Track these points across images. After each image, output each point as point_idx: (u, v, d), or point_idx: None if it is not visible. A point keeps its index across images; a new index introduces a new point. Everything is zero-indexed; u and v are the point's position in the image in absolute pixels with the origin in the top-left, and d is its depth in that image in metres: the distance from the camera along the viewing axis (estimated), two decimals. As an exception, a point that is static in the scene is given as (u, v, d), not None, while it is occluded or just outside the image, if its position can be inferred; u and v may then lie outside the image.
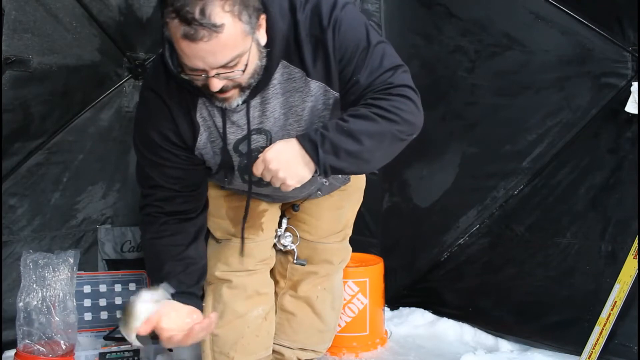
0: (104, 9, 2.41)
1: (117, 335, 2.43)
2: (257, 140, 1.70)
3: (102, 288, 2.59)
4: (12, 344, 2.27)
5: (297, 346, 2.21)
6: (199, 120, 1.67)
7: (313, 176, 1.55)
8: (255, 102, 1.64)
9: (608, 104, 2.32)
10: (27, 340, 2.19)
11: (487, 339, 2.58)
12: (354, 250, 2.68)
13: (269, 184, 1.58)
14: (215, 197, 1.99)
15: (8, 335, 2.32)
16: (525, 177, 2.54)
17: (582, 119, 2.39)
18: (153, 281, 1.72)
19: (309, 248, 2.14)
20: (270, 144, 1.65)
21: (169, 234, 1.74)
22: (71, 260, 2.33)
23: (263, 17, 1.51)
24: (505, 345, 2.51)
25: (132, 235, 2.69)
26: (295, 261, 2.11)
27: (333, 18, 1.58)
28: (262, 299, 2.07)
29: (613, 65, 2.29)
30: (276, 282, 2.21)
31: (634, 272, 2.16)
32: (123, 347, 2.34)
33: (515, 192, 2.57)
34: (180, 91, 1.63)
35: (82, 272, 2.51)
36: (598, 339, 2.19)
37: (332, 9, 1.58)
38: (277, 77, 1.62)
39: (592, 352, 2.19)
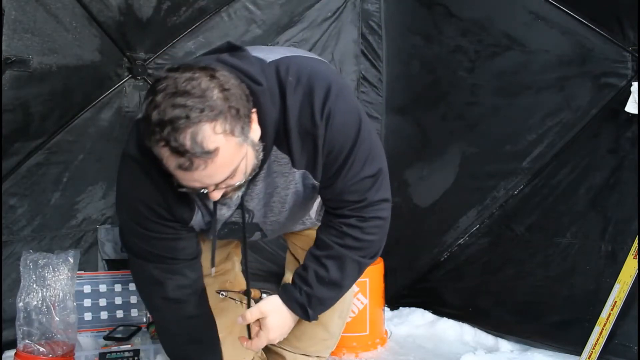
0: (104, 9, 2.41)
1: (117, 335, 2.43)
2: (238, 216, 1.68)
3: (102, 288, 2.59)
4: (12, 344, 2.27)
5: (300, 352, 2.13)
6: (195, 201, 1.61)
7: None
8: None
9: (608, 104, 2.32)
10: (27, 340, 2.19)
11: (487, 339, 2.58)
12: (354, 250, 2.68)
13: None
14: None
15: (8, 335, 2.32)
16: (525, 177, 2.54)
17: (582, 119, 2.39)
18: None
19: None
20: (252, 220, 1.69)
21: (188, 316, 1.74)
22: (71, 260, 2.33)
23: (254, 111, 1.43)
24: (505, 345, 2.51)
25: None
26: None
27: (326, 111, 1.50)
28: (216, 314, 1.97)
29: (613, 65, 2.30)
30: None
31: (634, 272, 2.16)
32: (123, 347, 2.34)
33: (515, 192, 2.57)
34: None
35: (82, 272, 2.51)
36: (598, 339, 2.19)
37: (326, 99, 1.49)
38: (267, 161, 1.58)
39: (592, 352, 2.19)
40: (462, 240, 2.73)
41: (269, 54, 1.55)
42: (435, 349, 2.56)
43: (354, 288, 2.26)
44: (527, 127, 2.51)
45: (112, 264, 2.66)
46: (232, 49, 1.52)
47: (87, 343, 2.44)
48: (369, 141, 1.58)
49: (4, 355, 2.31)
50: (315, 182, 1.60)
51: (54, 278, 2.27)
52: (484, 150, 2.65)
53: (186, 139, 1.29)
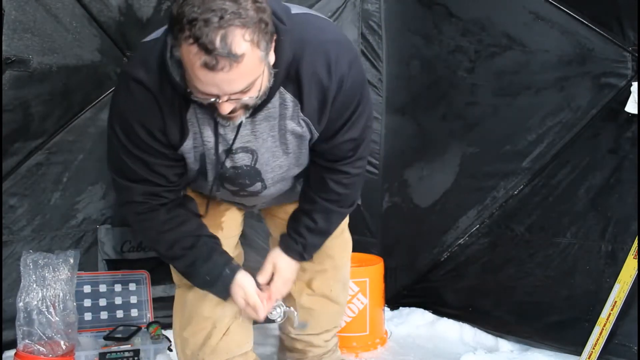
0: (104, 9, 2.41)
1: (117, 335, 2.43)
2: (243, 158, 1.73)
3: (102, 288, 2.59)
4: (12, 344, 2.27)
5: (321, 330, 2.23)
6: (189, 124, 1.65)
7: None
8: (246, 120, 1.63)
9: (608, 104, 2.32)
10: (27, 340, 2.19)
11: (487, 339, 2.58)
12: (354, 250, 2.68)
13: (248, 193, 1.82)
14: None
15: (8, 335, 2.32)
16: (525, 177, 2.54)
17: (582, 119, 2.39)
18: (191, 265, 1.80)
19: None
20: (255, 163, 1.74)
21: (177, 224, 1.77)
22: (71, 260, 2.33)
23: (274, 38, 1.49)
24: (505, 345, 2.51)
25: (132, 235, 2.69)
26: (296, 325, 2.05)
27: (340, 74, 1.62)
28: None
29: (613, 65, 2.30)
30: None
31: (634, 272, 2.16)
32: (123, 347, 2.34)
33: (515, 192, 2.57)
34: (172, 92, 1.59)
35: (82, 272, 2.51)
36: (598, 339, 2.19)
37: (342, 63, 1.62)
38: (273, 100, 1.62)
39: (592, 352, 2.19)
40: (462, 240, 2.73)
41: (295, 8, 1.63)
42: (435, 349, 2.56)
43: (348, 263, 2.34)
44: (527, 127, 2.51)
45: (112, 264, 2.66)
46: None
47: (87, 343, 2.44)
48: (369, 105, 1.75)
49: (4, 355, 2.31)
50: (315, 131, 1.70)
51: (54, 278, 2.27)
52: (484, 150, 2.65)
53: (216, 38, 1.33)
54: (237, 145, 1.68)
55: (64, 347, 2.22)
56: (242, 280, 1.82)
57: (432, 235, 2.81)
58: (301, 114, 1.65)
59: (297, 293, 2.18)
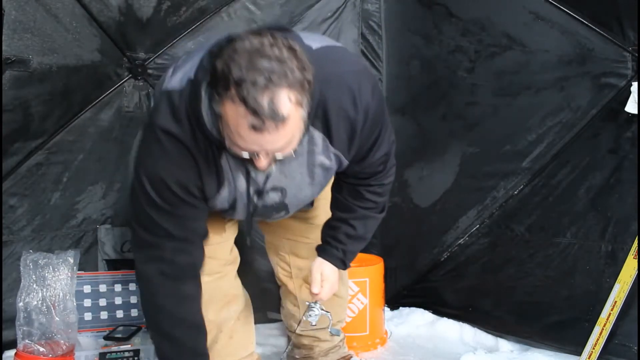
0: (104, 9, 2.41)
1: (117, 335, 2.43)
2: (273, 197, 1.74)
3: (102, 288, 2.58)
4: (12, 344, 2.27)
5: (326, 324, 2.19)
6: (224, 172, 1.64)
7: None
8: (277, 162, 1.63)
9: (608, 104, 2.32)
10: (27, 340, 2.19)
11: (487, 339, 2.58)
12: (354, 250, 2.68)
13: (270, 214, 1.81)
14: None
15: (8, 335, 2.32)
16: (525, 177, 2.54)
17: (582, 119, 2.39)
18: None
19: (305, 247, 2.14)
20: (284, 199, 1.76)
21: (190, 299, 1.75)
22: (71, 260, 2.33)
23: None
24: (505, 345, 2.51)
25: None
26: (330, 330, 2.04)
27: (365, 104, 1.63)
28: (230, 300, 2.05)
29: (613, 65, 2.30)
30: (284, 284, 2.24)
31: (634, 272, 2.16)
32: (123, 347, 2.34)
33: (515, 192, 2.57)
34: (205, 142, 1.57)
35: (82, 272, 2.51)
36: (598, 339, 2.19)
37: (365, 92, 1.64)
38: (302, 140, 1.61)
39: (592, 352, 2.19)
40: (462, 240, 2.73)
41: (312, 41, 1.62)
42: (435, 349, 2.56)
43: (354, 287, 2.39)
44: (527, 127, 2.51)
45: (112, 264, 2.66)
46: (282, 29, 1.56)
47: (87, 343, 2.44)
48: (389, 121, 1.79)
49: (4, 355, 2.31)
50: (346, 160, 1.72)
51: (54, 278, 2.27)
52: (484, 150, 2.65)
53: (264, 100, 1.32)
54: (267, 186, 1.70)
55: (64, 347, 2.22)
56: None
57: (432, 235, 2.81)
58: (331, 148, 1.67)
59: (297, 289, 2.20)
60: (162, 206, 1.62)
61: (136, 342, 2.42)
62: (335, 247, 1.93)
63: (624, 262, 2.20)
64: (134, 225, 1.71)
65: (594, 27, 2.31)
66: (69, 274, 2.31)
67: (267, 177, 1.67)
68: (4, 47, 2.18)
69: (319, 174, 1.73)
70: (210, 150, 1.59)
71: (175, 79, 1.61)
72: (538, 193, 2.51)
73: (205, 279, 1.97)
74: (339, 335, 2.15)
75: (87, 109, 2.51)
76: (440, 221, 2.79)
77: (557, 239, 2.45)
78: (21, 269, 2.26)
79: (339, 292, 2.21)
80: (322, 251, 1.94)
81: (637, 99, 2.22)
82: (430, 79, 2.76)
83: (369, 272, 2.59)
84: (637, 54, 2.24)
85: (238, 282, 2.12)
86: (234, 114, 1.36)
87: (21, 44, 2.24)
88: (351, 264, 2.57)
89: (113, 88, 2.56)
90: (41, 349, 2.18)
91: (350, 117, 1.63)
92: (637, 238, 2.19)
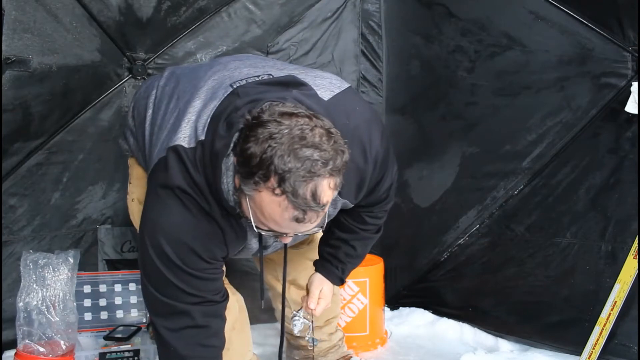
0: (104, 9, 2.41)
1: (117, 335, 2.43)
2: (276, 245, 1.76)
3: (102, 288, 2.58)
4: (12, 344, 2.27)
5: (322, 321, 2.24)
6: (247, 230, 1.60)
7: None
8: None
9: (608, 104, 2.32)
10: (27, 340, 2.19)
11: (487, 339, 2.58)
12: (354, 250, 2.68)
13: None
14: None
15: (8, 335, 2.32)
16: (525, 177, 2.54)
17: (582, 119, 2.39)
18: None
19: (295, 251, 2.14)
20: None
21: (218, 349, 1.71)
22: (71, 260, 2.32)
23: None
24: (505, 345, 2.51)
25: (132, 235, 2.69)
26: (307, 338, 2.04)
27: (374, 154, 1.64)
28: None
29: (613, 65, 2.30)
30: (273, 288, 2.23)
31: (634, 272, 2.16)
32: (123, 347, 2.34)
33: (515, 192, 2.57)
34: (219, 207, 1.52)
35: (82, 272, 2.51)
36: (598, 339, 2.19)
37: (375, 142, 1.64)
38: None
39: (592, 352, 2.19)
40: (462, 240, 2.73)
41: (322, 89, 1.59)
42: (435, 349, 2.56)
43: (354, 287, 2.39)
44: (527, 127, 2.51)
45: (112, 264, 2.66)
46: (296, 84, 1.55)
47: (87, 343, 2.44)
48: (394, 158, 1.80)
49: (4, 355, 2.31)
50: (351, 205, 1.74)
51: (54, 278, 2.27)
52: (484, 150, 2.65)
53: (307, 192, 1.30)
54: (272, 240, 1.71)
55: (64, 347, 2.21)
56: None
57: (432, 235, 2.81)
58: (340, 199, 1.67)
59: (286, 291, 2.17)
60: (188, 271, 1.53)
61: (136, 342, 2.42)
62: (336, 266, 1.96)
63: (624, 262, 2.20)
64: (154, 295, 1.57)
65: (594, 27, 2.31)
66: (69, 274, 2.31)
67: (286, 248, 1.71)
68: (4, 47, 2.18)
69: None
70: (236, 221, 1.55)
71: (182, 134, 1.51)
72: (538, 193, 2.51)
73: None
74: (316, 345, 2.17)
75: (87, 109, 2.51)
76: (440, 221, 2.79)
77: (557, 239, 2.45)
78: (21, 269, 2.26)
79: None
80: (322, 268, 1.97)
81: (637, 99, 2.22)
82: (430, 79, 2.76)
83: (369, 272, 2.59)
84: (637, 54, 2.24)
85: (228, 289, 2.10)
86: (273, 203, 1.33)
87: (21, 44, 2.24)
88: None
89: (113, 88, 2.56)
90: (41, 349, 2.18)
91: (360, 168, 1.63)
92: (637, 238, 2.19)
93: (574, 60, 2.38)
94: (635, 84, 2.23)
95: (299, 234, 1.48)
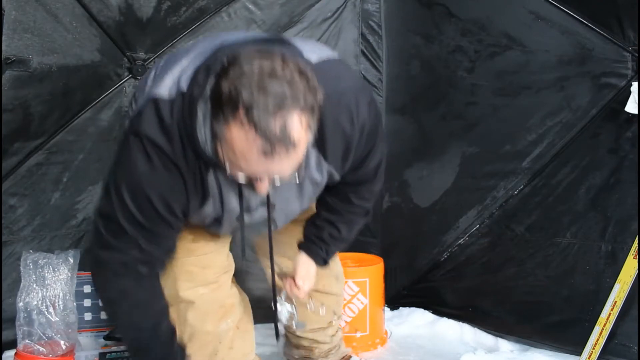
0: (104, 9, 2.41)
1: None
2: (262, 213, 1.71)
3: (102, 288, 2.58)
4: (12, 344, 2.27)
5: (324, 324, 2.23)
6: (210, 190, 1.59)
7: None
8: None
9: (608, 104, 2.32)
10: (27, 340, 2.19)
11: (487, 339, 2.58)
12: (354, 250, 2.68)
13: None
14: None
15: (8, 335, 2.32)
16: (525, 177, 2.54)
17: (582, 119, 2.39)
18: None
19: (294, 248, 2.09)
20: (272, 214, 1.71)
21: (144, 292, 1.68)
22: (71, 260, 2.33)
23: None
24: (505, 345, 2.51)
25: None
26: (294, 325, 2.01)
27: (361, 121, 1.62)
28: (228, 310, 2.01)
29: (613, 65, 2.30)
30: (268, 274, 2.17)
31: (634, 272, 2.16)
32: (123, 347, 2.34)
33: (515, 192, 2.57)
34: (194, 158, 1.51)
35: (82, 272, 2.51)
36: (598, 339, 2.19)
37: (362, 109, 1.62)
38: None
39: (592, 352, 2.19)
40: (462, 240, 2.73)
41: (310, 53, 1.58)
42: (435, 349, 2.56)
43: (354, 287, 2.40)
44: (527, 127, 2.51)
45: (112, 264, 2.66)
46: (282, 42, 1.55)
47: (87, 343, 2.44)
48: (383, 133, 1.80)
49: (4, 355, 2.31)
50: (338, 176, 1.71)
51: (54, 278, 2.27)
52: (484, 150, 2.65)
53: (277, 126, 1.28)
54: (256, 202, 1.67)
55: (64, 347, 2.22)
56: None
57: (432, 235, 2.81)
58: (325, 164, 1.65)
59: (289, 289, 2.17)
60: (140, 221, 1.55)
61: (136, 342, 2.41)
62: (320, 247, 1.95)
63: (624, 262, 2.20)
64: (100, 227, 1.60)
65: (594, 27, 2.31)
66: (69, 274, 2.31)
67: (268, 202, 1.66)
68: (4, 47, 2.18)
69: (309, 189, 1.72)
70: (198, 166, 1.53)
71: (163, 86, 1.52)
72: (538, 193, 2.51)
73: (201, 291, 1.94)
74: (302, 328, 2.10)
75: (87, 109, 2.51)
76: (440, 221, 2.79)
77: (557, 239, 2.45)
78: (21, 269, 2.26)
79: (330, 289, 2.20)
80: (307, 249, 1.96)
81: (637, 99, 2.22)
82: (430, 79, 2.76)
83: (369, 272, 2.59)
84: (637, 54, 2.24)
85: (234, 289, 2.08)
86: (241, 138, 1.31)
87: (21, 44, 2.24)
88: (351, 264, 2.60)
89: (113, 88, 2.56)
90: (41, 349, 2.18)
91: (346, 133, 1.61)
92: (637, 238, 2.19)
93: (574, 60, 2.38)
94: (635, 84, 2.23)
95: (275, 178, 1.42)
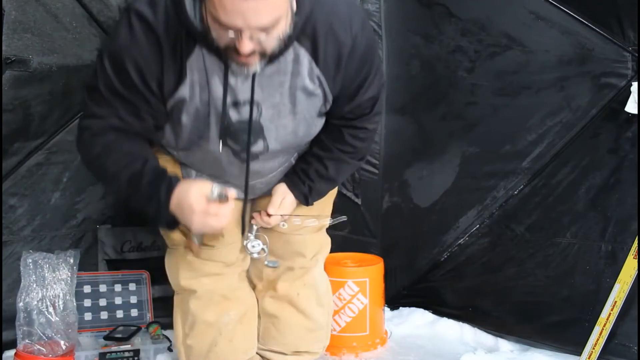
0: (104, 9, 2.41)
1: (117, 335, 2.44)
2: (248, 111, 1.69)
3: (102, 288, 2.59)
4: (12, 344, 2.27)
5: (289, 350, 2.15)
6: (188, 70, 1.61)
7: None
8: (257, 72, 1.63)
9: (608, 104, 2.32)
10: (27, 340, 2.19)
11: (487, 339, 2.58)
12: (354, 250, 2.68)
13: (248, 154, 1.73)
14: None
15: (8, 335, 2.32)
16: (525, 177, 2.54)
17: (582, 119, 2.39)
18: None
19: (280, 240, 2.07)
20: (259, 117, 1.70)
21: (128, 142, 1.69)
22: (71, 260, 2.33)
23: None
24: (505, 345, 2.51)
25: (132, 235, 2.69)
26: (266, 262, 2.00)
27: (355, 30, 1.65)
28: (231, 303, 2.02)
29: (613, 65, 2.29)
30: (254, 286, 2.16)
31: (634, 272, 2.16)
32: (123, 347, 2.34)
33: (515, 192, 2.57)
34: (177, 34, 1.56)
35: (82, 272, 2.51)
36: (598, 339, 2.19)
37: (357, 25, 1.67)
38: (286, 54, 1.62)
39: (592, 352, 2.19)
40: (462, 240, 2.73)
41: None
42: (435, 349, 2.56)
43: (328, 280, 2.29)
44: (527, 127, 2.51)
45: (112, 264, 2.66)
46: None
47: (87, 343, 2.44)
48: (380, 65, 1.82)
49: (4, 355, 2.31)
50: (330, 92, 1.70)
51: (54, 278, 2.27)
52: (484, 150, 2.65)
53: None
54: (244, 96, 1.65)
55: (64, 347, 2.22)
56: (190, 188, 1.62)
57: (432, 235, 2.81)
58: (316, 69, 1.65)
59: (261, 293, 2.13)
60: (117, 89, 1.61)
61: (136, 342, 2.42)
62: (303, 181, 1.92)
63: (624, 262, 2.20)
64: (86, 98, 1.70)
65: (594, 27, 2.31)
66: (69, 274, 2.31)
67: (253, 86, 1.63)
68: (4, 47, 2.19)
69: (301, 100, 1.69)
70: (180, 45, 1.57)
71: None
72: (538, 193, 2.51)
73: (203, 281, 1.96)
74: (275, 266, 2.03)
75: (87, 109, 2.51)
76: (440, 221, 2.79)
77: (557, 239, 2.45)
78: (21, 269, 2.26)
79: (307, 309, 2.11)
80: (290, 181, 1.94)
81: (637, 99, 2.22)
82: (430, 79, 2.76)
83: (369, 272, 2.59)
84: (637, 54, 2.24)
85: (243, 284, 2.09)
86: None
87: (21, 44, 2.24)
88: (351, 264, 2.60)
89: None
90: (41, 349, 2.18)
91: (339, 40, 1.64)
92: (637, 238, 2.19)
93: (574, 60, 2.38)
94: (635, 84, 2.23)
95: (259, 39, 1.45)
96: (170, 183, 1.64)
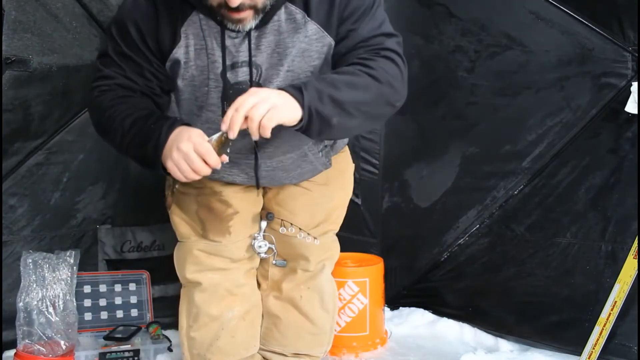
0: (104, 9, 2.41)
1: (117, 335, 2.44)
2: (247, 73, 1.70)
3: (102, 288, 2.59)
4: (12, 344, 2.27)
5: (289, 351, 2.15)
6: (182, 34, 1.69)
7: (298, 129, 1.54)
8: (253, 33, 1.67)
9: (608, 104, 2.32)
10: (27, 340, 2.19)
11: (487, 339, 2.58)
12: (354, 250, 2.68)
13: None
14: (186, 195, 1.98)
15: (8, 335, 2.32)
16: (525, 177, 2.54)
17: (582, 119, 2.39)
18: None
19: (284, 242, 2.07)
20: (259, 79, 1.70)
21: (137, 98, 1.75)
22: (71, 260, 2.33)
23: None
24: (505, 345, 2.51)
25: (132, 235, 2.69)
26: (274, 262, 2.02)
27: None
28: (236, 299, 2.02)
29: (613, 65, 2.30)
30: (259, 285, 2.16)
31: (634, 272, 2.16)
32: (123, 347, 2.35)
33: (515, 192, 2.57)
34: (177, 4, 1.67)
35: (82, 272, 2.51)
36: (598, 339, 2.19)
37: None
38: (280, 13, 1.66)
39: (592, 352, 2.19)
40: (462, 240, 2.73)
41: None
42: (435, 349, 2.56)
43: (335, 286, 2.26)
44: (527, 127, 2.51)
45: (112, 264, 2.66)
46: None
47: (87, 343, 2.44)
48: (383, 10, 1.73)
49: (4, 355, 2.31)
50: (331, 40, 1.68)
51: (54, 278, 2.27)
52: (484, 150, 2.65)
53: None
54: (242, 58, 1.69)
55: (64, 347, 2.22)
56: (192, 129, 1.57)
57: (432, 235, 2.81)
58: (309, 20, 1.66)
59: (266, 292, 2.14)
60: (123, 49, 1.72)
61: (136, 342, 2.42)
62: (302, 81, 1.60)
63: (624, 262, 2.21)
64: (97, 64, 1.81)
65: (594, 27, 2.31)
66: (69, 274, 2.32)
67: (249, 46, 1.67)
68: (4, 47, 2.19)
69: (298, 59, 1.70)
70: (176, 9, 1.67)
71: None
72: (538, 193, 2.51)
73: (209, 275, 1.98)
74: (283, 266, 2.04)
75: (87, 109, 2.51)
76: (440, 221, 2.79)
77: (557, 239, 2.45)
78: (21, 269, 2.26)
79: (310, 312, 2.11)
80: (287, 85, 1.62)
81: (637, 99, 2.22)
82: (430, 79, 2.76)
83: (369, 272, 2.59)
84: (637, 54, 2.24)
85: (250, 282, 2.09)
86: None
87: (21, 44, 2.24)
88: (351, 264, 2.59)
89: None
90: (41, 349, 2.18)
91: None
92: (637, 238, 2.19)
93: (574, 60, 2.38)
94: (635, 84, 2.23)
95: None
96: (175, 121, 1.62)
